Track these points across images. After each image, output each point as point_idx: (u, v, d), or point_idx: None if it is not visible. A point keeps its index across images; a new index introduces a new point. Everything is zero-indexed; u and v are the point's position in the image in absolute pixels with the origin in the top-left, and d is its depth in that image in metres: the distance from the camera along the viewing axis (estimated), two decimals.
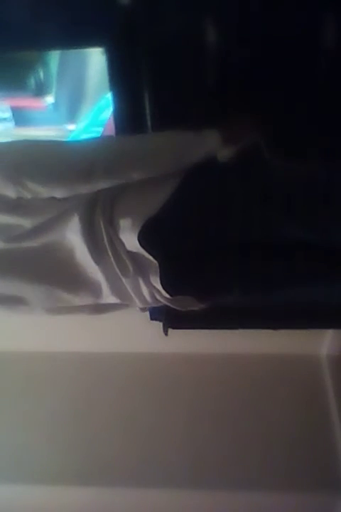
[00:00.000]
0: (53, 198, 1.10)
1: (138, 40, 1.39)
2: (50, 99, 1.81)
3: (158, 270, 1.12)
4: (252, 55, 1.38)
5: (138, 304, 1.21)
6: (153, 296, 1.18)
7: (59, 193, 1.10)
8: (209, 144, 1.15)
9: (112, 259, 1.12)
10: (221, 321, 1.85)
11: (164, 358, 2.36)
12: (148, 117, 1.49)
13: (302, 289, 1.23)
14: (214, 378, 2.32)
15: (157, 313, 1.87)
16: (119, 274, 1.14)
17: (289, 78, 1.41)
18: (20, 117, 1.89)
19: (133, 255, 1.12)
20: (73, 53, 1.66)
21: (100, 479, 2.08)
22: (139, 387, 2.32)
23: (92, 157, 1.10)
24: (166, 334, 2.02)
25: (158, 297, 1.18)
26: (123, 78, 1.45)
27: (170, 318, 1.94)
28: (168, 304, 1.21)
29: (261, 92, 1.42)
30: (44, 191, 1.09)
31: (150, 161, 1.12)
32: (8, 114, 1.88)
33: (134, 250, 1.11)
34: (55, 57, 1.72)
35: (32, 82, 1.73)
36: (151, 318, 1.94)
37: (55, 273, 1.17)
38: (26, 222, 1.11)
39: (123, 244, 1.11)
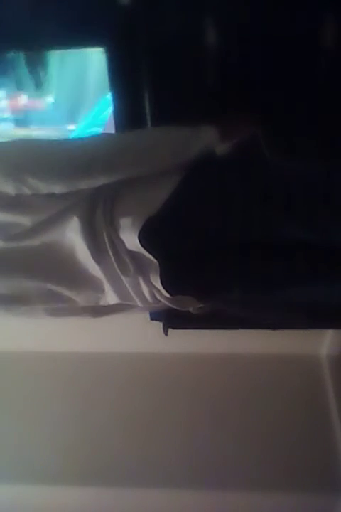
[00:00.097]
0: (53, 195, 1.10)
1: (138, 40, 1.39)
2: (50, 99, 1.81)
3: (159, 270, 1.12)
4: (252, 55, 1.38)
5: (139, 303, 1.21)
6: (153, 296, 1.18)
7: (58, 189, 1.10)
8: (207, 138, 1.16)
9: (112, 258, 1.12)
10: (221, 321, 1.85)
11: (164, 358, 2.36)
12: (148, 117, 1.49)
13: (303, 289, 1.23)
14: (214, 378, 2.32)
15: (157, 313, 1.87)
16: (120, 273, 1.13)
17: (289, 78, 1.42)
18: (20, 117, 1.90)
19: (133, 255, 1.12)
20: (73, 53, 1.67)
21: (100, 479, 2.08)
22: (139, 387, 2.32)
23: (92, 152, 1.11)
24: (166, 334, 2.02)
25: (159, 297, 1.18)
26: (123, 78, 1.46)
27: (170, 318, 1.94)
28: (169, 304, 1.21)
29: (261, 91, 1.42)
30: (44, 187, 1.09)
31: (147, 155, 1.12)
32: (8, 114, 1.89)
33: (134, 250, 1.11)
34: (55, 57, 1.73)
35: (32, 82, 1.74)
36: (151, 318, 1.95)
37: (55, 272, 1.16)
38: (26, 221, 1.11)
39: (123, 243, 1.11)
